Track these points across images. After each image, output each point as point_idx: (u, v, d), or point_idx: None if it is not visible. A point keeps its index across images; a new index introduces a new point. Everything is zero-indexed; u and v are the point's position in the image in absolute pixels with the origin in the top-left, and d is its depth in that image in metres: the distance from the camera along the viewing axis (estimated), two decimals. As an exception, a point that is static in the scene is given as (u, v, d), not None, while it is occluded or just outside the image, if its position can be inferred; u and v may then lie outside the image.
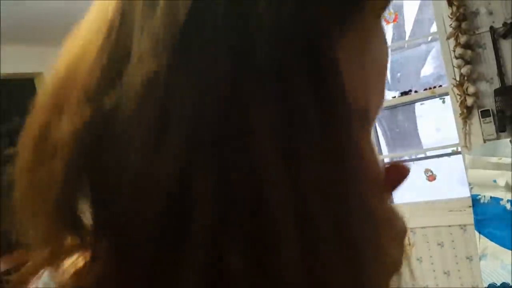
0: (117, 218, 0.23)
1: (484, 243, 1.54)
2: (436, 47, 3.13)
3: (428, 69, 3.38)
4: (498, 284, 1.47)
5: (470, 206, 2.41)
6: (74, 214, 0.25)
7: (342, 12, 0.26)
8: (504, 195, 1.47)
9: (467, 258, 2.41)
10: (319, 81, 0.23)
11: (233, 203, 0.21)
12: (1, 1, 2.12)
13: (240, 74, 0.22)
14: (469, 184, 1.64)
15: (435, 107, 2.74)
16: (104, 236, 0.25)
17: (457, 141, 2.44)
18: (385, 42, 0.31)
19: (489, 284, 1.51)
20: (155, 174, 0.22)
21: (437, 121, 3.19)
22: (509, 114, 2.16)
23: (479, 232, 1.56)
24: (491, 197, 1.53)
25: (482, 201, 1.56)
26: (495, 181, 1.50)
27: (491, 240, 1.51)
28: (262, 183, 0.21)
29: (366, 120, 0.30)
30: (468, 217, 2.39)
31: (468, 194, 2.45)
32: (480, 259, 1.58)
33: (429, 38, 2.68)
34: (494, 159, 1.50)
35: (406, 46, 3.00)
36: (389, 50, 2.55)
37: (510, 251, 1.42)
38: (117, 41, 0.24)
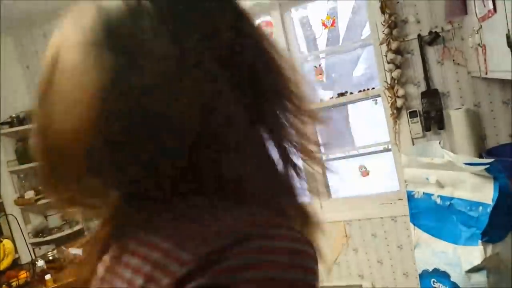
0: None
1: (417, 234, 1.70)
2: (366, 50, 3.32)
3: (360, 71, 3.59)
4: (431, 270, 1.64)
5: (400, 199, 2.63)
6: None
7: None
8: (434, 191, 1.64)
9: (398, 247, 2.63)
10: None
11: None
12: None
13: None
14: (405, 181, 1.80)
15: (368, 107, 2.93)
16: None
17: (387, 140, 2.64)
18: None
19: (423, 270, 1.68)
20: None
21: (369, 120, 3.40)
22: (434, 115, 2.38)
23: (414, 224, 1.72)
24: (423, 192, 1.69)
25: (416, 196, 1.72)
26: (427, 178, 1.66)
27: (424, 231, 1.67)
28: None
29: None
30: (398, 209, 2.60)
31: (398, 188, 2.67)
32: (414, 248, 1.74)
33: (360, 44, 2.85)
34: (426, 159, 1.65)
35: (339, 50, 3.15)
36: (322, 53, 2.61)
37: (439, 240, 1.59)
38: None
